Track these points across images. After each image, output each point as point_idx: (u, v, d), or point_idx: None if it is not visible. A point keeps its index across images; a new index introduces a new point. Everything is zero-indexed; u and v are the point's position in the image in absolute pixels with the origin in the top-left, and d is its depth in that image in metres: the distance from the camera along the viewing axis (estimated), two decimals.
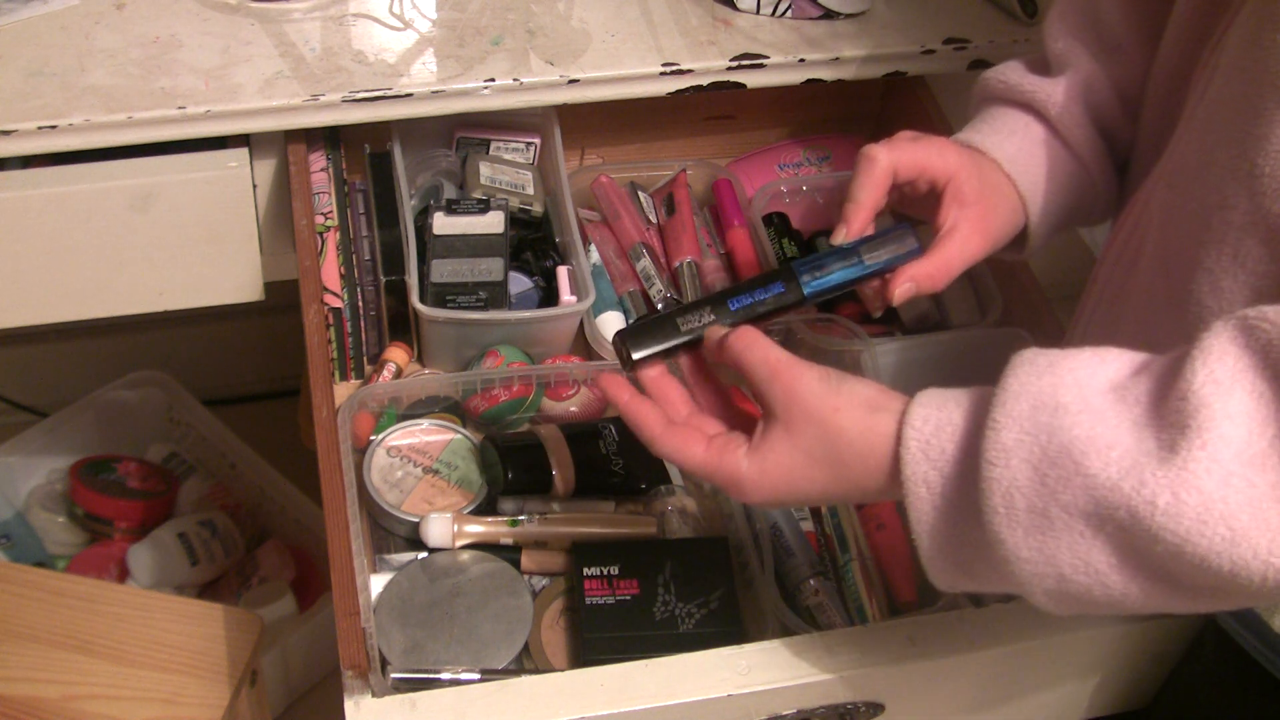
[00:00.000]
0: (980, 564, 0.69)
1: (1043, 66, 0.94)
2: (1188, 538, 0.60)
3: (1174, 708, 0.95)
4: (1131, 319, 0.84)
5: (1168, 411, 0.61)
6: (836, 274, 0.86)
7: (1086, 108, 0.91)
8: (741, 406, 0.81)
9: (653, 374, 0.80)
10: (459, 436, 1.05)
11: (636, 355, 0.81)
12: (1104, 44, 0.92)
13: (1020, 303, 1.14)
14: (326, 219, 1.14)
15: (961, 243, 0.88)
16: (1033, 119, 0.92)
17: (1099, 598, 0.65)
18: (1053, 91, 0.91)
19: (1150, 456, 0.61)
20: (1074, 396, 0.64)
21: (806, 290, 0.85)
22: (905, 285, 0.86)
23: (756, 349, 0.75)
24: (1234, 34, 0.74)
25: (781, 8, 1.24)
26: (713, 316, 0.83)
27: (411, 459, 1.03)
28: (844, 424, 0.71)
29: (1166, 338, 0.73)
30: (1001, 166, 0.90)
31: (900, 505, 0.71)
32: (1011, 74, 0.94)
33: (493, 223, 1.11)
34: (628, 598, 0.94)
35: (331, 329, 1.10)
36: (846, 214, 0.87)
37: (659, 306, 1.13)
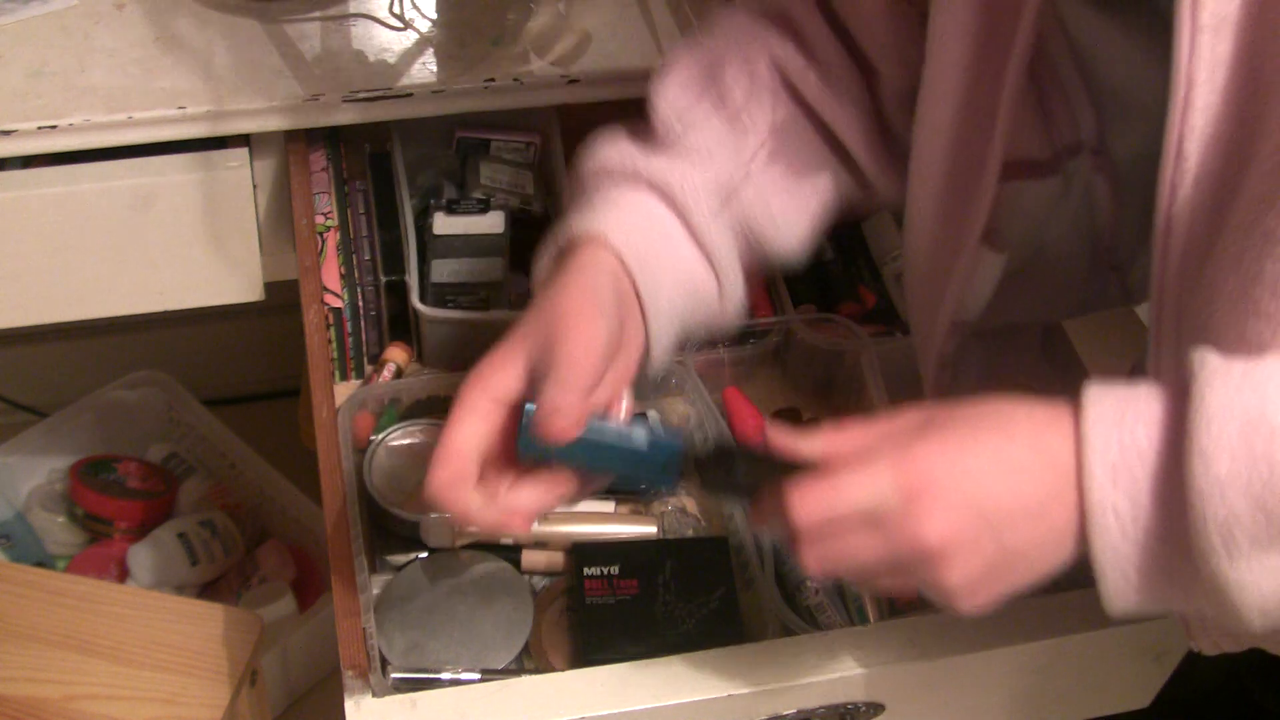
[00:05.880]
0: (1178, 591, 0.63)
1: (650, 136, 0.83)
2: None
3: (1173, 708, 0.95)
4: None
5: None
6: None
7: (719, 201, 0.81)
8: None
9: None
10: None
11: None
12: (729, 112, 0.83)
13: None
14: (326, 219, 1.14)
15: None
16: (658, 201, 0.82)
17: None
18: (685, 176, 0.81)
19: None
20: None
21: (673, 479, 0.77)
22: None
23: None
24: None
25: None
26: None
27: (411, 459, 1.03)
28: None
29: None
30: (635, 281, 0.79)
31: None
32: (628, 151, 0.83)
33: (493, 223, 1.11)
34: (628, 598, 0.93)
35: (331, 329, 1.10)
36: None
37: None
